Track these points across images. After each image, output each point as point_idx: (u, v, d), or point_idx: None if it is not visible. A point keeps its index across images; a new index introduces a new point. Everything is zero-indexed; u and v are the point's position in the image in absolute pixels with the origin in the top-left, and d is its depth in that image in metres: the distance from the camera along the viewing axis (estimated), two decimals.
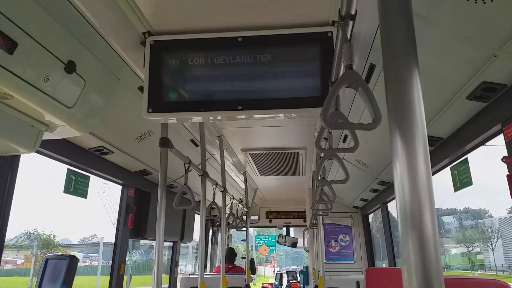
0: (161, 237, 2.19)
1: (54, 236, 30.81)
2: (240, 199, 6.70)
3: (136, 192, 3.89)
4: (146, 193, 4.11)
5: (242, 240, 11.13)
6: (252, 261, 7.46)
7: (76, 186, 2.89)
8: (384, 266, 5.80)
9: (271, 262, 46.99)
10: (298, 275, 12.48)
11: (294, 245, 8.13)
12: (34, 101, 1.67)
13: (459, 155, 2.57)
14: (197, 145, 3.71)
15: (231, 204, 5.85)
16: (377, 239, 6.78)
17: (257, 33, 1.86)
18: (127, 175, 3.67)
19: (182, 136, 3.52)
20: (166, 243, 5.00)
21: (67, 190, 2.82)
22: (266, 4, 1.75)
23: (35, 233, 29.41)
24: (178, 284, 5.23)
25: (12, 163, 2.20)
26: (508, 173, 1.79)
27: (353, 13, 1.20)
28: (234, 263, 6.32)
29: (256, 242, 21.20)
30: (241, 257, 7.96)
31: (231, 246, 7.78)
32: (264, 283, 15.07)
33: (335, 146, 3.42)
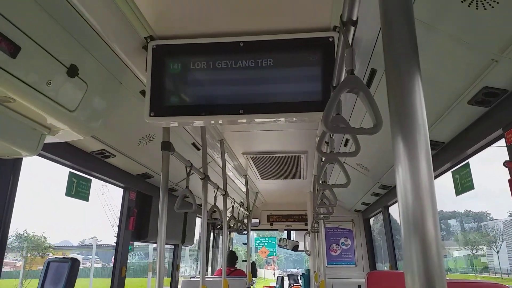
0: (162, 240, 2.19)
1: (45, 237, 30.22)
2: (241, 202, 6.69)
3: (137, 195, 3.89)
4: (148, 196, 4.12)
5: (243, 244, 11.10)
6: (253, 265, 7.45)
7: (78, 189, 2.90)
8: (385, 268, 5.78)
9: (271, 265, 46.74)
10: (299, 278, 12.44)
11: (295, 248, 8.12)
12: (36, 105, 1.68)
13: (460, 160, 2.57)
14: (198, 149, 3.71)
15: (232, 207, 5.85)
16: (378, 241, 6.77)
17: (258, 38, 1.87)
18: (129, 179, 3.67)
19: (184, 139, 3.52)
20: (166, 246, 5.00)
21: (68, 193, 2.83)
22: (268, 9, 1.75)
23: (25, 234, 28.76)
24: (179, 287, 5.23)
25: (14, 166, 2.21)
26: (510, 177, 1.79)
27: (354, 18, 1.20)
28: (235, 266, 6.31)
29: (256, 244, 21.07)
30: (242, 260, 7.94)
31: (232, 249, 7.78)
32: (265, 286, 15.04)
33: (336, 150, 3.42)
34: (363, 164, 3.85)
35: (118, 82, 2.22)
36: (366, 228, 6.54)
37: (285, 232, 8.10)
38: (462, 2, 1.39)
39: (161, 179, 2.27)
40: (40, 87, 1.63)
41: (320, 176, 2.63)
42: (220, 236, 7.69)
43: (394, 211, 4.98)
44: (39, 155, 2.22)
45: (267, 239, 22.26)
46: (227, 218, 4.91)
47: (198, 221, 6.01)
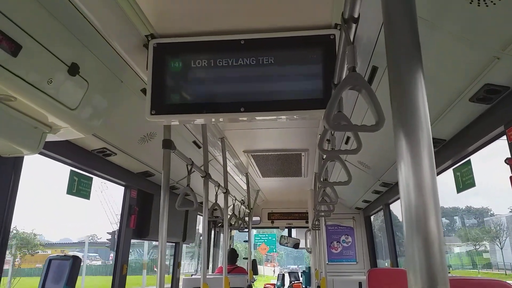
0: (163, 238, 2.20)
1: (35, 235, 29.66)
2: (242, 200, 6.70)
3: (138, 193, 3.89)
4: (149, 194, 4.12)
5: (244, 241, 11.10)
6: (254, 262, 7.47)
7: (79, 187, 2.90)
8: (386, 265, 5.79)
9: (271, 262, 46.62)
10: (300, 275, 12.45)
11: (296, 246, 8.13)
12: (37, 103, 1.68)
13: (462, 157, 2.57)
14: (199, 147, 3.72)
15: (233, 205, 5.85)
16: (378, 237, 6.77)
17: (259, 35, 1.87)
18: (130, 177, 3.68)
19: (185, 138, 3.52)
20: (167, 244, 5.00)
21: (70, 191, 2.83)
22: (269, 7, 1.75)
23: (14, 231, 28.42)
24: (180, 284, 5.24)
25: (15, 164, 2.21)
26: (511, 174, 1.79)
27: (356, 16, 1.20)
28: (236, 263, 6.33)
29: (255, 241, 21.00)
30: (243, 258, 7.96)
31: (232, 247, 7.79)
32: (266, 284, 15.03)
33: (338, 148, 3.42)
34: (364, 162, 3.85)
35: (119, 81, 2.22)
36: (367, 225, 6.54)
37: (286, 229, 8.11)
38: None
39: (162, 177, 2.27)
40: (41, 85, 1.63)
41: (321, 173, 2.63)
42: (221, 234, 7.70)
43: (395, 209, 4.99)
44: (40, 153, 2.22)
45: (266, 235, 22.20)
46: (228, 216, 4.92)
47: (199, 219, 6.02)
